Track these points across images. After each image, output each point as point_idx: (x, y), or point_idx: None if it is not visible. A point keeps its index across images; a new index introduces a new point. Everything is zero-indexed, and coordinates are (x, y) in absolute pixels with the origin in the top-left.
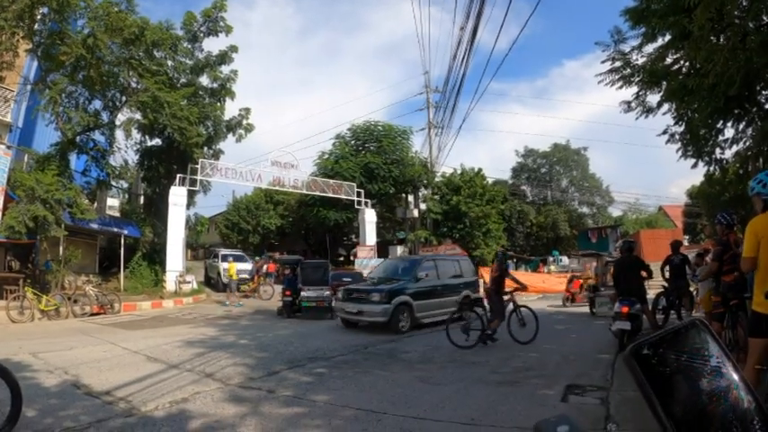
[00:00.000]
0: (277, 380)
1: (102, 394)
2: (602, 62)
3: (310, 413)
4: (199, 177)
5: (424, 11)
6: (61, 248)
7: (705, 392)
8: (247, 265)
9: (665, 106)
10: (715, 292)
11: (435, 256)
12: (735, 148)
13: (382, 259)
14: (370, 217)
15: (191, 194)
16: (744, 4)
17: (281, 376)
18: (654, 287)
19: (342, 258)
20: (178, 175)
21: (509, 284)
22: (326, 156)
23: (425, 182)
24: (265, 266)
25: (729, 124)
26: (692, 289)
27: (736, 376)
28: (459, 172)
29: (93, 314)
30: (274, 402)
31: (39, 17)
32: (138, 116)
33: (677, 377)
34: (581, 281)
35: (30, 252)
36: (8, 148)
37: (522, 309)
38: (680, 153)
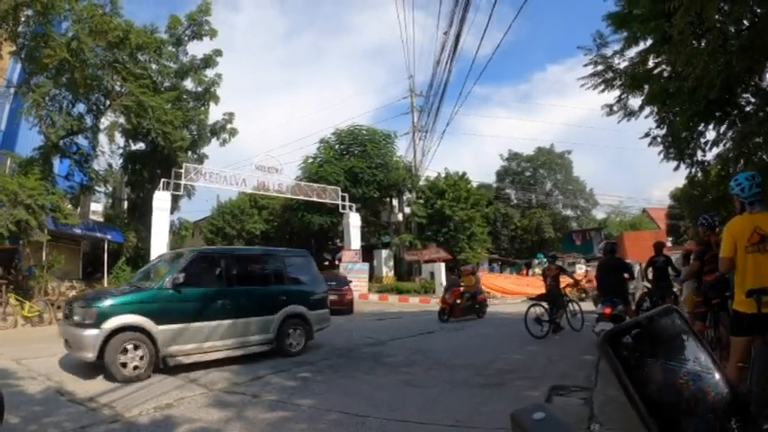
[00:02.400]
0: (261, 384)
1: (86, 401)
2: (585, 66)
3: (295, 417)
4: (183, 182)
5: (409, 15)
6: (44, 254)
7: (679, 377)
8: None
9: (647, 109)
10: (697, 292)
11: (227, 249)
12: (716, 151)
13: (367, 264)
14: (354, 221)
15: (175, 199)
16: (724, 8)
17: (266, 381)
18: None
19: (327, 263)
20: (162, 180)
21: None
22: (311, 160)
23: (410, 186)
24: None
25: (710, 127)
26: (675, 290)
27: (708, 361)
28: (443, 176)
29: None
30: (259, 407)
31: (23, 19)
32: (121, 120)
33: (652, 363)
34: (461, 289)
35: (12, 257)
36: None
37: (572, 302)
38: (662, 155)
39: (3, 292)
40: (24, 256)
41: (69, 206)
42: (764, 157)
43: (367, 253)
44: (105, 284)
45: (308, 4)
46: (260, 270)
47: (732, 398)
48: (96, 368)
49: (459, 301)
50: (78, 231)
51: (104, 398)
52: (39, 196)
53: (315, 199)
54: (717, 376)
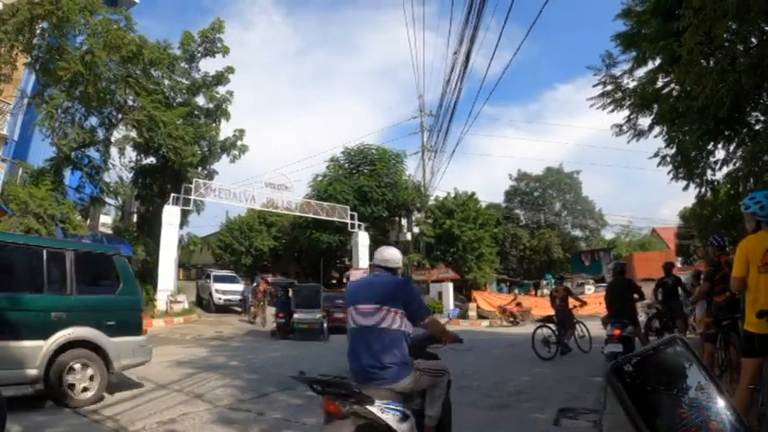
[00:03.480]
0: (267, 402)
1: (90, 412)
2: (594, 86)
3: None
4: (192, 197)
5: (419, 36)
6: None
7: (686, 408)
8: (238, 287)
9: (657, 129)
10: (707, 313)
11: None
12: (725, 170)
13: None
14: (363, 240)
15: (184, 214)
16: (732, 26)
17: (272, 398)
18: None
19: (335, 281)
20: (172, 195)
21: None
22: (320, 178)
23: (418, 205)
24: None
25: (720, 146)
26: (685, 310)
27: (713, 389)
28: (452, 195)
29: None
30: (264, 424)
31: (38, 31)
32: (133, 134)
33: (659, 394)
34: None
35: None
36: (3, 161)
37: (579, 324)
38: (671, 175)
39: None
40: None
41: (79, 218)
42: None
43: None
44: None
45: (319, 24)
46: (23, 270)
47: (736, 427)
48: None
49: None
50: (87, 243)
51: (108, 410)
52: (49, 206)
53: (324, 217)
54: (721, 404)
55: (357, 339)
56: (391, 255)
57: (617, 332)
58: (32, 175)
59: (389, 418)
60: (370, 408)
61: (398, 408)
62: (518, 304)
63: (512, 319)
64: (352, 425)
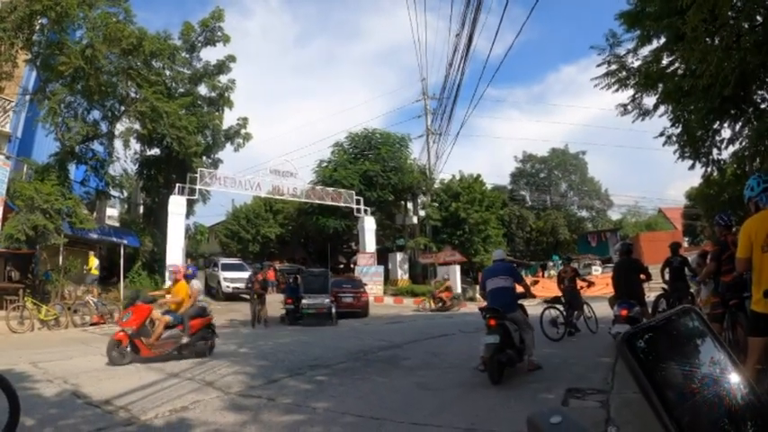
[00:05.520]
0: (277, 388)
1: (102, 403)
2: (598, 66)
3: (310, 420)
4: (198, 186)
5: (421, 18)
6: (61, 258)
7: (694, 379)
8: (246, 274)
9: (662, 108)
10: (714, 293)
11: None
12: (732, 149)
13: (382, 267)
14: (369, 224)
15: (190, 204)
16: (737, 4)
17: (282, 384)
18: (654, 289)
19: (342, 266)
20: (177, 185)
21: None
22: (325, 164)
23: (424, 189)
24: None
25: (726, 125)
26: (692, 290)
27: (727, 362)
28: (457, 178)
29: (93, 324)
30: (274, 410)
31: (37, 27)
32: (136, 126)
33: (671, 366)
34: (157, 307)
35: (29, 262)
36: (7, 158)
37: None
38: (677, 155)
39: (20, 297)
40: (41, 260)
41: (85, 211)
42: None
43: (382, 256)
44: (121, 289)
45: (319, 11)
46: None
47: (750, 401)
48: (113, 371)
49: (153, 329)
50: (94, 236)
51: (120, 400)
52: (55, 201)
53: (329, 203)
54: (735, 379)
55: (495, 293)
56: (502, 254)
57: (624, 312)
58: (37, 171)
59: (511, 328)
60: (506, 322)
61: (514, 326)
62: (447, 289)
63: (440, 304)
64: (499, 329)
